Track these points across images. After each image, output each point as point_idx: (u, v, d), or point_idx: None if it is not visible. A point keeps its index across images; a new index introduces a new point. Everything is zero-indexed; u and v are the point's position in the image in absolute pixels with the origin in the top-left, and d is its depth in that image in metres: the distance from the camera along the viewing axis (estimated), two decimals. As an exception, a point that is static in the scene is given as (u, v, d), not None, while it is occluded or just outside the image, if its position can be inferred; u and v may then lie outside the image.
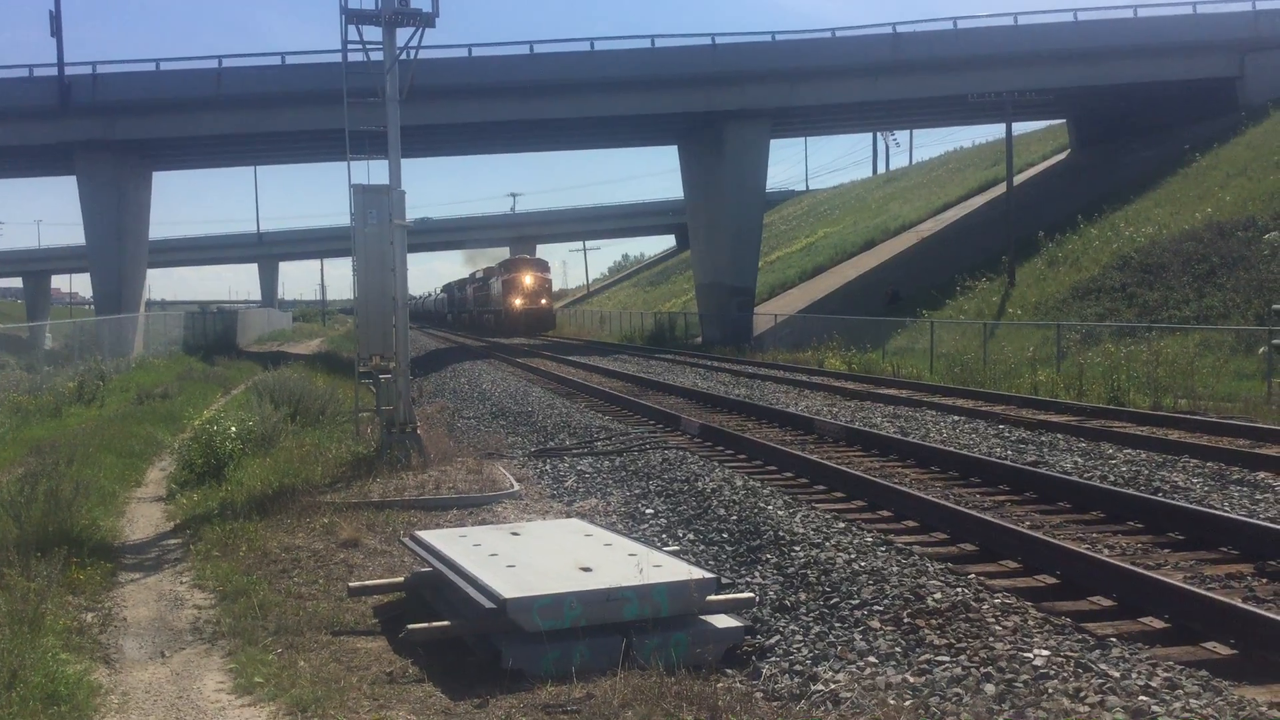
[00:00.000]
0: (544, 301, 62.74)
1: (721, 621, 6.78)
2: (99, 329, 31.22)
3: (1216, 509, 9.64)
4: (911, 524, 9.68)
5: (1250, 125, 38.07)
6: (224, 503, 11.23)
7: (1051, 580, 7.74)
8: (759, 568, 8.16)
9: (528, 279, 61.53)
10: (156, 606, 8.16)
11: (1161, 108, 44.19)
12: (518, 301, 60.80)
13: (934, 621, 6.60)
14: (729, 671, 6.41)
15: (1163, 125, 43.69)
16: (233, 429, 13.83)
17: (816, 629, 6.78)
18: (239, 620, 7.49)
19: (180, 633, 7.48)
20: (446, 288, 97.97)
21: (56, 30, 39.18)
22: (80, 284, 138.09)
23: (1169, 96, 43.26)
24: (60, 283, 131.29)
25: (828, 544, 8.46)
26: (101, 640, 7.28)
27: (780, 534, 8.86)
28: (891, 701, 5.62)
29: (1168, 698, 5.39)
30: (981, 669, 5.86)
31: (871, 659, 6.20)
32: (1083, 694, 5.47)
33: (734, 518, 9.70)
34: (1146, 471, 11.81)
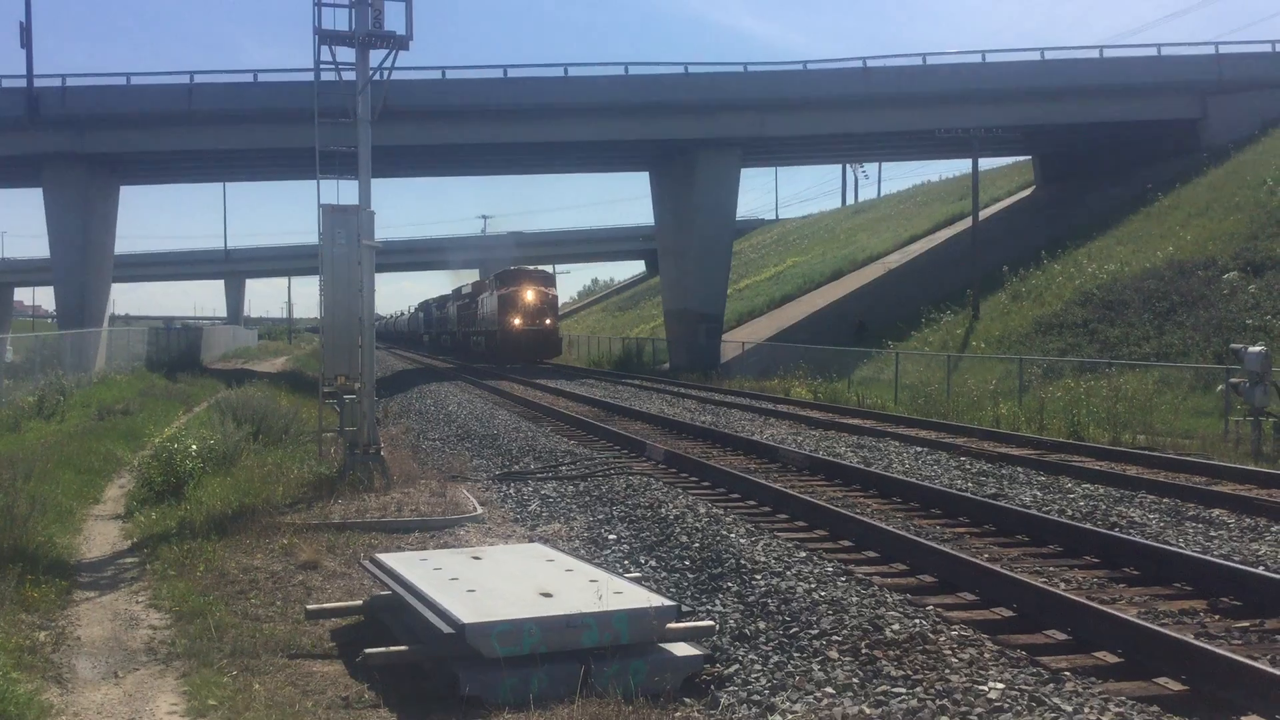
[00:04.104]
0: (548, 321, 53.78)
1: (681, 650, 6.79)
2: (61, 343, 30.86)
3: (1171, 545, 9.77)
4: (872, 554, 9.74)
5: (1212, 166, 38.74)
6: (183, 522, 11.12)
7: (1008, 613, 7.81)
8: (720, 596, 8.18)
9: (529, 294, 52.88)
10: (111, 626, 8.06)
11: (1125, 147, 44.89)
12: (516, 321, 52.17)
13: (892, 653, 6.64)
14: (687, 700, 6.41)
15: (1126, 164, 44.37)
16: (194, 447, 13.73)
17: (775, 658, 6.80)
18: (194, 641, 7.42)
19: (134, 653, 7.40)
20: (424, 305, 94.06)
21: (26, 41, 38.90)
22: (44, 297, 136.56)
23: (1133, 136, 43.97)
24: (23, 295, 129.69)
25: (789, 573, 8.49)
26: (54, 659, 7.18)
27: (742, 562, 8.89)
28: (847, 732, 5.64)
29: (1119, 732, 5.44)
30: (937, 701, 5.90)
31: (829, 689, 6.23)
32: (1036, 727, 5.53)
33: (696, 545, 9.72)
34: (1104, 506, 11.94)
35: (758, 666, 6.71)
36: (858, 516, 10.85)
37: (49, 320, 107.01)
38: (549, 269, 67.26)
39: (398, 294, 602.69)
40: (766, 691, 6.33)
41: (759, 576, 8.45)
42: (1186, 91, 42.04)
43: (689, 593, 8.39)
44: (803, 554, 9.23)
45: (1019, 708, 5.75)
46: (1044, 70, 41.41)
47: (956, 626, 7.16)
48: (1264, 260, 28.65)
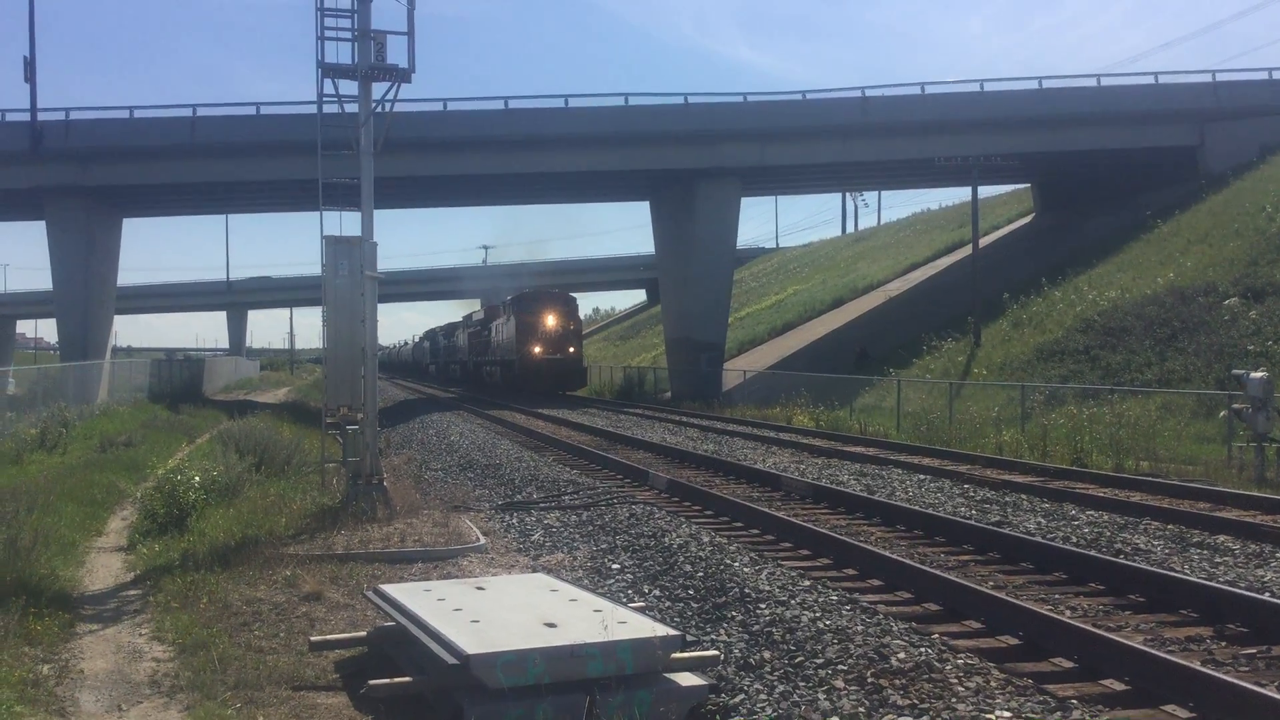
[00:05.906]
0: (572, 350, 48.90)
1: (686, 679, 6.76)
2: (63, 375, 30.90)
3: (1177, 572, 9.74)
4: (876, 583, 9.71)
5: (1211, 193, 38.87)
6: (185, 553, 11.10)
7: (1014, 641, 7.78)
8: (724, 625, 8.15)
9: (551, 319, 48.16)
10: (114, 659, 8.04)
11: (1124, 174, 45.05)
12: (537, 349, 47.68)
13: (897, 681, 6.62)
14: (693, 730, 6.38)
15: (1125, 191, 44.52)
16: (196, 478, 13.72)
17: (781, 688, 6.77)
18: (198, 674, 7.39)
19: (138, 686, 7.37)
20: (429, 334, 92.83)
21: (30, 75, 39.21)
22: (46, 329, 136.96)
23: (1131, 164, 44.14)
24: (26, 328, 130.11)
25: (793, 602, 8.47)
26: (57, 693, 7.16)
27: (746, 591, 8.87)
28: (854, 762, 5.61)
29: (1127, 760, 5.42)
30: (944, 730, 5.87)
31: (835, 719, 6.20)
32: (1043, 756, 5.50)
33: (700, 574, 9.69)
34: (1108, 533, 11.91)
35: (763, 696, 6.69)
36: (861, 545, 10.82)
37: (51, 352, 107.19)
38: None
39: (398, 324, 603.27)
40: (772, 721, 6.30)
41: (763, 605, 8.43)
42: (1184, 119, 42.24)
43: (693, 622, 8.36)
44: (807, 583, 9.21)
45: (1026, 736, 5.73)
46: (1042, 99, 41.61)
47: (962, 655, 7.14)
48: (1264, 286, 28.70)
